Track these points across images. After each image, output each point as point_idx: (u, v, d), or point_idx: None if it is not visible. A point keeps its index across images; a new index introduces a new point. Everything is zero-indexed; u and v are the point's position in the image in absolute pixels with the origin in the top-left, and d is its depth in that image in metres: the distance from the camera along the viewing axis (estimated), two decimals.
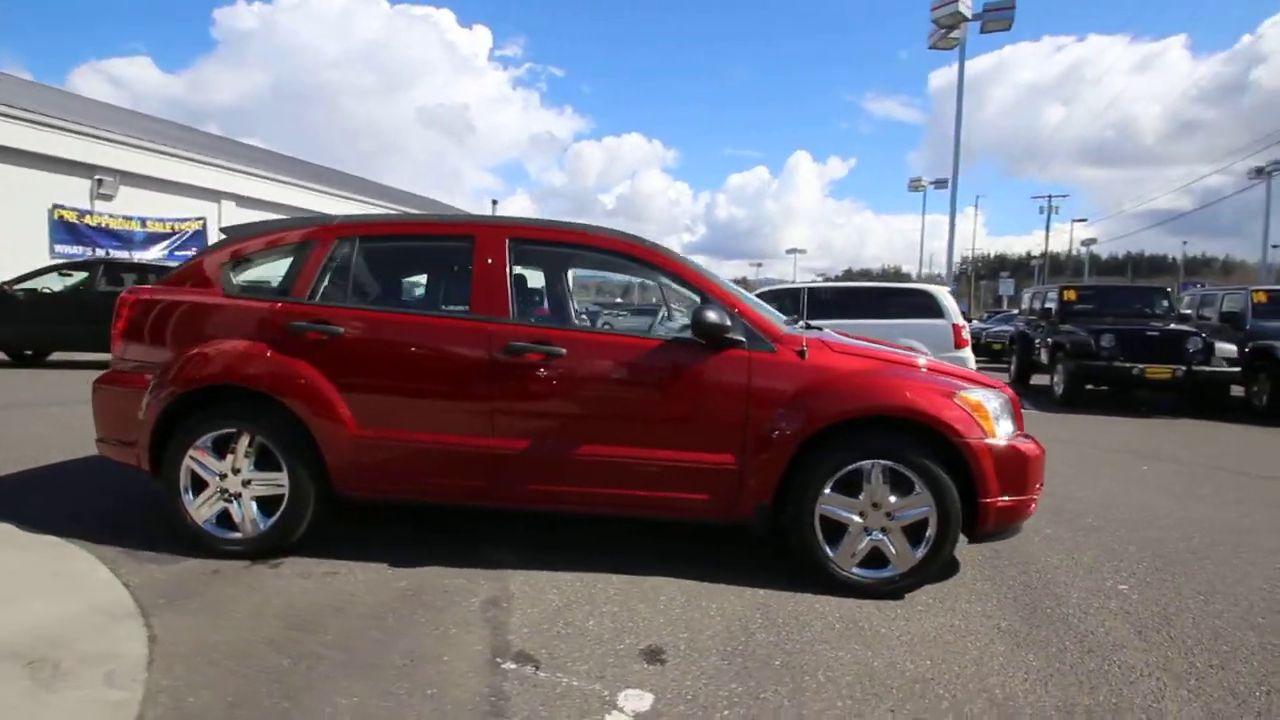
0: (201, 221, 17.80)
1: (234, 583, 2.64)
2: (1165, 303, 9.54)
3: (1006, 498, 2.66)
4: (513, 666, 2.09)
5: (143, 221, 16.47)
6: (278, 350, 2.81)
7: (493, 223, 3.00)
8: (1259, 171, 26.21)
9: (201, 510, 2.86)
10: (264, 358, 2.81)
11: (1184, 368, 7.94)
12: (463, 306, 2.90)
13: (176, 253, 16.30)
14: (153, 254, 16.02)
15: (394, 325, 2.87)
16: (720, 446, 2.71)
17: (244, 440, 2.82)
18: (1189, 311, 10.03)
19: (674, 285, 2.95)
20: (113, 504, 3.54)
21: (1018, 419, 2.89)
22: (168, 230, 16.98)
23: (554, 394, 2.75)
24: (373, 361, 2.82)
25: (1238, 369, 8.12)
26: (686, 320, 3.55)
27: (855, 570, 2.70)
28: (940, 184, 34.70)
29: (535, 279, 3.36)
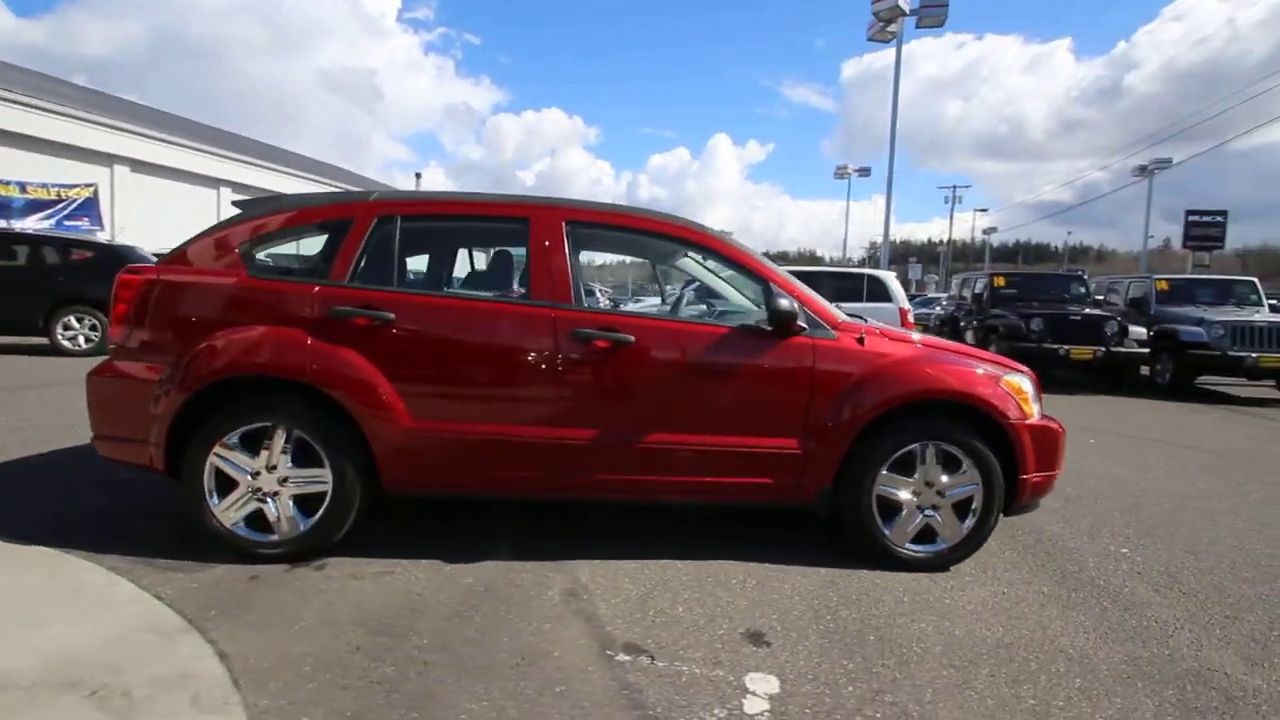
0: (92, 188, 15.94)
1: (282, 588, 2.44)
2: (1082, 289, 10.47)
3: (1040, 473, 2.88)
4: (627, 658, 2.07)
5: (21, 187, 14.57)
6: (318, 337, 2.60)
7: (548, 204, 2.87)
8: (1142, 170, 29.13)
9: (229, 512, 2.62)
10: (303, 345, 2.59)
11: (1104, 349, 8.77)
12: (505, 291, 2.79)
13: (66, 222, 14.55)
14: (33, 223, 14.21)
15: (451, 311, 2.71)
16: (785, 432, 2.76)
17: (280, 435, 2.60)
18: (1101, 297, 11.06)
19: (734, 272, 2.95)
20: (98, 506, 3.18)
21: (1040, 400, 3.12)
22: (52, 197, 15.10)
23: (621, 382, 2.71)
24: (428, 349, 2.66)
25: (1148, 349, 9.07)
26: (708, 305, 3.60)
27: (909, 546, 2.84)
28: (863, 171, 36.47)
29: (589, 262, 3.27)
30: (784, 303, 2.67)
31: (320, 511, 2.65)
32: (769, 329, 2.76)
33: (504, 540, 2.96)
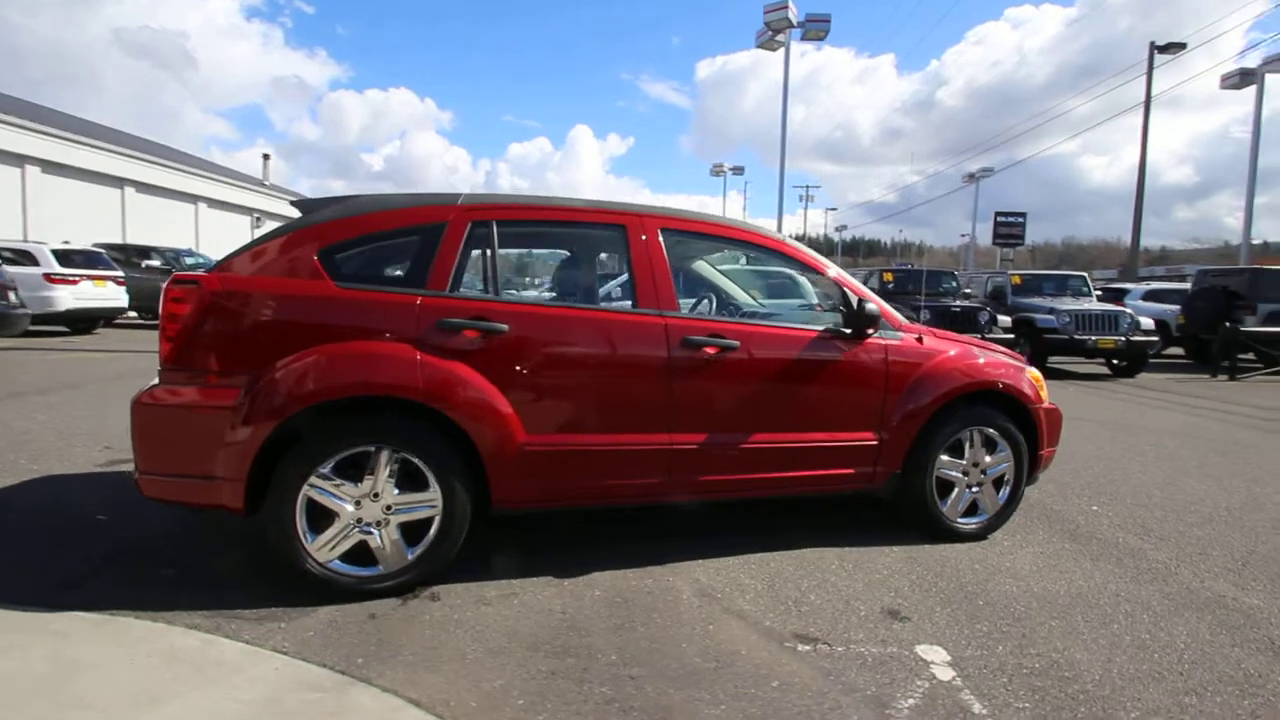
0: None
1: (413, 623, 2.27)
2: (954, 284, 11.99)
3: (1050, 448, 3.40)
4: (806, 648, 2.20)
5: None
6: (427, 351, 2.42)
7: (643, 212, 2.87)
8: (971, 177, 33.63)
9: (326, 550, 2.38)
10: (413, 361, 2.39)
11: (979, 336, 10.14)
12: (593, 299, 2.76)
13: None
14: None
15: (566, 321, 2.63)
16: (865, 425, 3.01)
17: (383, 459, 2.39)
18: (969, 290, 12.72)
19: (813, 279, 3.14)
20: (104, 552, 2.71)
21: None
22: None
23: (727, 386, 2.80)
24: (542, 361, 2.57)
25: (1012, 335, 10.60)
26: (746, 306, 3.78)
27: (960, 520, 3.22)
28: (738, 170, 38.75)
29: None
30: (870, 307, 2.91)
31: (429, 538, 2.48)
32: (848, 331, 2.99)
33: (577, 552, 2.93)
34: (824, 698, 1.92)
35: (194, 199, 24.58)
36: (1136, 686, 2.04)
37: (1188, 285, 14.24)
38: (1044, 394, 3.36)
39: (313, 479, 2.33)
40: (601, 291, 2.77)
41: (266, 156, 31.78)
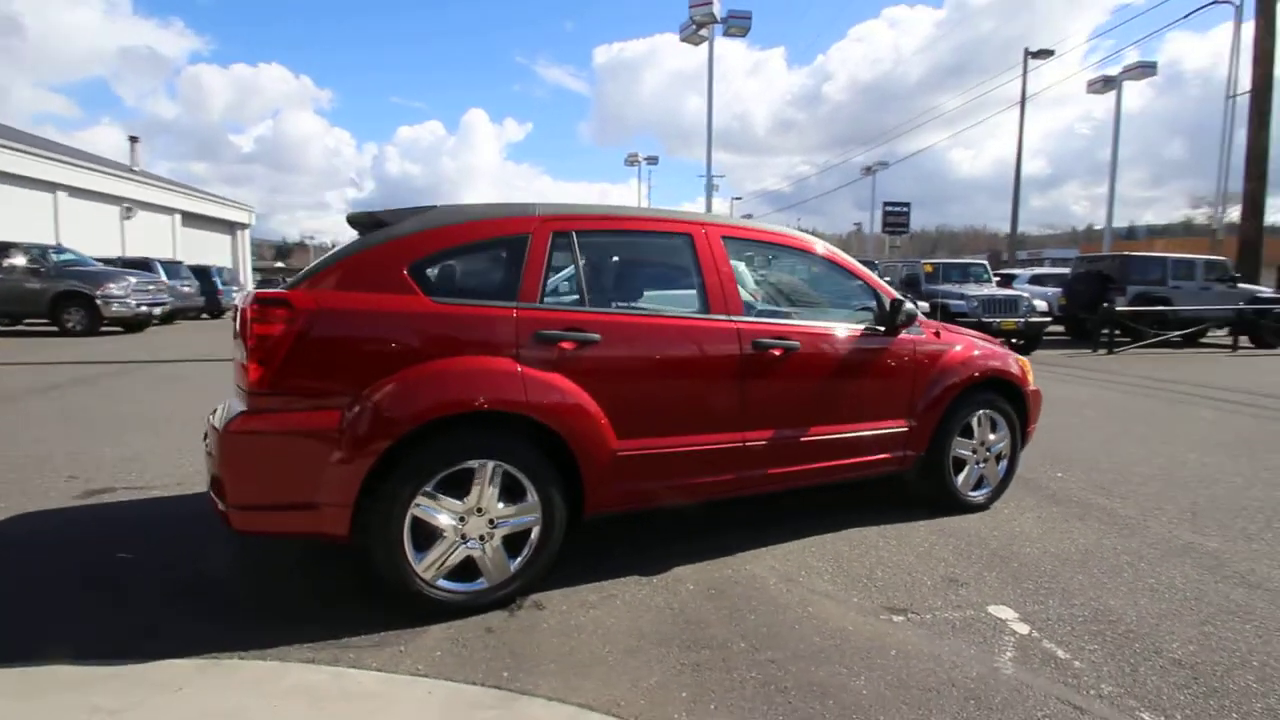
0: None
1: (535, 633, 2.31)
2: (875, 272, 12.90)
3: (1034, 425, 3.88)
4: (900, 618, 2.45)
5: None
6: (526, 364, 2.44)
7: (704, 220, 2.99)
8: (868, 170, 35.93)
9: (433, 568, 2.36)
10: (516, 374, 2.40)
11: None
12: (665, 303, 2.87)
13: None
14: None
15: (651, 329, 2.70)
16: (899, 414, 3.32)
17: (488, 473, 2.40)
18: (887, 279, 13.71)
19: (850, 282, 3.38)
20: (176, 589, 2.54)
21: None
22: None
23: (789, 384, 2.99)
24: (631, 368, 2.64)
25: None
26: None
27: (970, 493, 3.62)
28: (652, 159, 39.21)
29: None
30: (907, 308, 3.20)
31: (529, 548, 2.51)
32: (882, 329, 3.28)
33: (646, 550, 3.06)
34: (939, 660, 2.18)
35: (52, 187, 21.68)
36: (1167, 623, 2.45)
37: (1066, 270, 16.09)
38: (1030, 377, 3.82)
39: (418, 497, 2.30)
40: (667, 297, 2.87)
41: (134, 139, 28.42)
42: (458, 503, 2.37)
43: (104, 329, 13.64)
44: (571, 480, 2.56)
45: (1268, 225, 15.74)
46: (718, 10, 15.27)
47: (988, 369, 3.55)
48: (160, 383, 7.64)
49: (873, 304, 3.35)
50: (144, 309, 14.21)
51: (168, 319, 16.12)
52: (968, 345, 3.59)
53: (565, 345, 2.51)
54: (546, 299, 2.57)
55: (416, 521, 2.32)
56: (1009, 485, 3.80)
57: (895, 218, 45.13)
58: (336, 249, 2.52)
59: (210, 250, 30.19)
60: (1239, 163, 16.04)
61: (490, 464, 2.39)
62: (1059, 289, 14.87)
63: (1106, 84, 20.08)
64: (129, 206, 24.84)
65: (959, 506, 3.59)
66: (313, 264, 2.50)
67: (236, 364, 2.38)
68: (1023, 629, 2.39)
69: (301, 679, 2.02)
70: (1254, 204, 15.26)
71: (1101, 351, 12.00)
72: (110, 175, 24.41)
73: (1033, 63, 22.20)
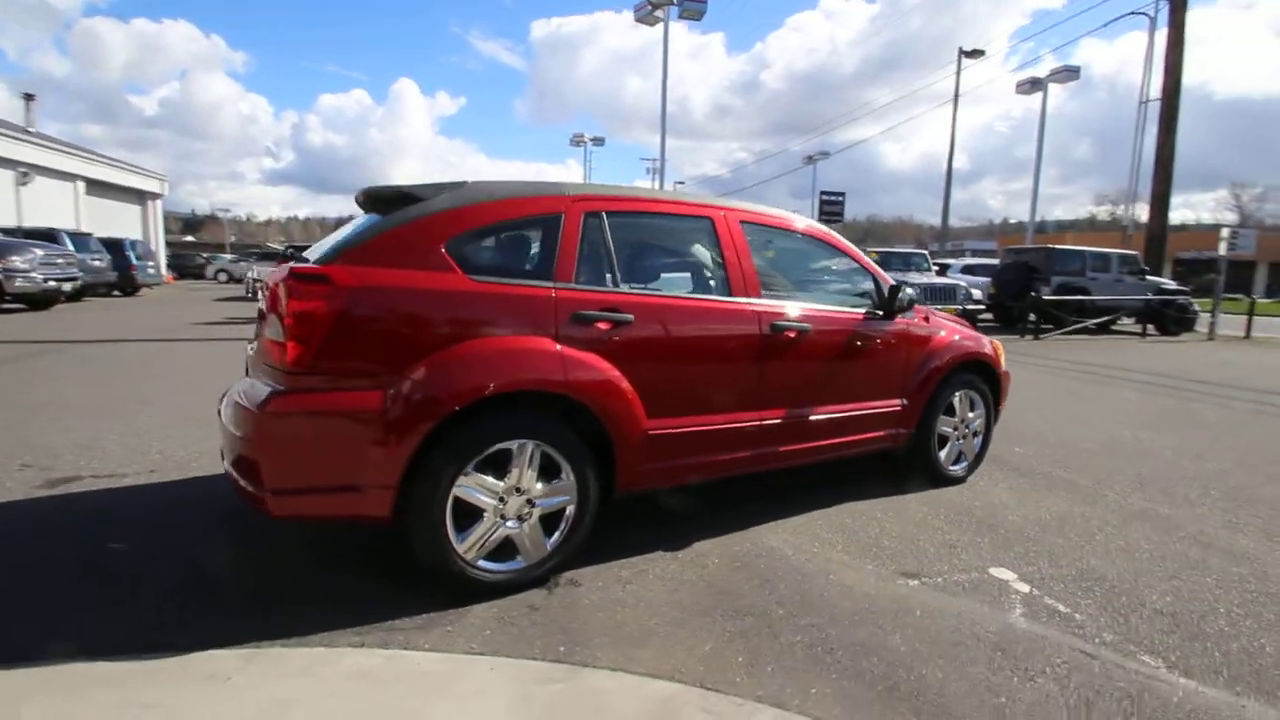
0: None
1: (577, 608, 2.35)
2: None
3: (1004, 403, 4.18)
4: (915, 582, 2.63)
5: None
6: (565, 344, 2.44)
7: (724, 205, 3.04)
8: (809, 159, 36.84)
9: (475, 549, 2.35)
10: (555, 353, 2.40)
11: None
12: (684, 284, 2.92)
13: None
14: None
15: (681, 310, 2.74)
16: (895, 393, 3.51)
17: (527, 452, 2.40)
18: None
19: (851, 267, 3.52)
20: (190, 578, 2.42)
21: None
22: None
23: (801, 365, 3.11)
24: (661, 349, 2.68)
25: None
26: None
27: (951, 468, 3.87)
28: (598, 140, 38.85)
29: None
30: (909, 290, 3.38)
31: (564, 527, 2.53)
32: (881, 313, 3.44)
33: (660, 528, 3.14)
34: (960, 617, 2.36)
35: None
36: (1143, 579, 2.73)
37: (994, 260, 17.10)
38: (1002, 360, 4.10)
39: (460, 478, 2.28)
40: (690, 280, 2.92)
41: (29, 97, 25.61)
42: (498, 483, 2.36)
43: (6, 306, 12.44)
44: (603, 459, 2.59)
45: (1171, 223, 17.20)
46: None
47: (969, 352, 3.80)
48: (86, 365, 7.06)
49: (871, 289, 3.51)
50: (52, 284, 13.03)
51: (76, 295, 14.85)
52: (950, 330, 3.82)
53: (601, 325, 2.53)
54: (585, 280, 2.57)
55: (457, 502, 2.30)
56: (983, 460, 4.09)
57: (831, 206, 46.42)
58: (362, 224, 2.42)
59: (118, 221, 27.78)
60: (1145, 164, 17.43)
61: (529, 444, 2.39)
62: (988, 278, 15.80)
63: (1034, 85, 21.40)
64: (25, 171, 22.52)
65: (942, 480, 3.83)
66: (341, 239, 2.41)
67: (266, 341, 2.27)
68: (1024, 588, 2.61)
69: (356, 663, 1.99)
70: (1160, 203, 16.67)
71: (1028, 337, 12.89)
72: (2, 136, 22.06)
73: (963, 61, 23.26)
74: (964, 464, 3.96)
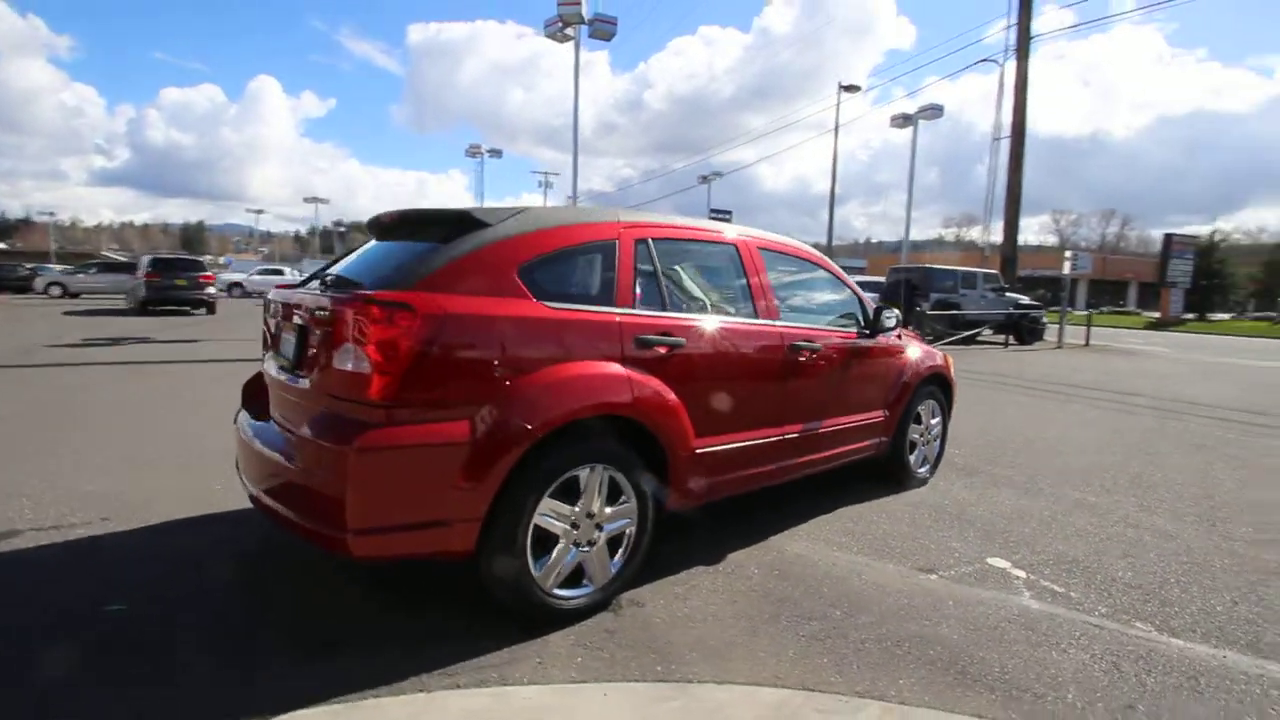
0: None
1: (651, 627, 2.40)
2: None
3: (953, 410, 4.70)
4: (933, 576, 2.92)
5: None
6: (630, 367, 2.50)
7: (743, 232, 3.22)
8: (704, 179, 38.34)
9: (552, 576, 2.35)
10: (624, 378, 2.45)
11: None
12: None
13: None
14: None
15: (720, 333, 2.86)
16: (879, 405, 3.85)
17: (598, 476, 2.43)
18: None
19: (842, 290, 3.81)
20: (226, 633, 2.21)
21: None
22: None
23: (812, 381, 3.35)
24: (705, 369, 2.80)
25: None
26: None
27: (919, 471, 4.29)
28: (495, 153, 38.09)
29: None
30: (892, 313, 3.74)
31: (626, 548, 2.58)
32: (868, 333, 3.78)
33: (680, 542, 3.25)
34: (985, 604, 2.66)
35: None
36: (1104, 558, 3.20)
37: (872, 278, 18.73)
38: (952, 370, 4.61)
39: (540, 506, 2.27)
40: (720, 303, 3.06)
41: None
42: (571, 508, 2.37)
43: None
44: (658, 479, 2.66)
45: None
46: (585, 11, 15.45)
47: (934, 365, 4.24)
48: None
49: (858, 310, 3.84)
50: None
51: None
52: (915, 346, 4.25)
53: (660, 349, 2.61)
54: (643, 305, 2.64)
55: (536, 530, 2.29)
56: (940, 462, 4.56)
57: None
58: (430, 248, 2.33)
59: None
60: (974, 190, 19.93)
61: (599, 468, 2.42)
62: (876, 294, 17.31)
63: (906, 120, 23.88)
64: None
65: (912, 482, 4.23)
66: (397, 264, 2.33)
67: (336, 372, 2.12)
68: (1020, 574, 2.98)
69: (464, 705, 1.93)
70: (1011, 228, 19.12)
71: None
72: None
73: (827, 94, 25.43)
74: (928, 467, 4.39)
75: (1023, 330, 16.73)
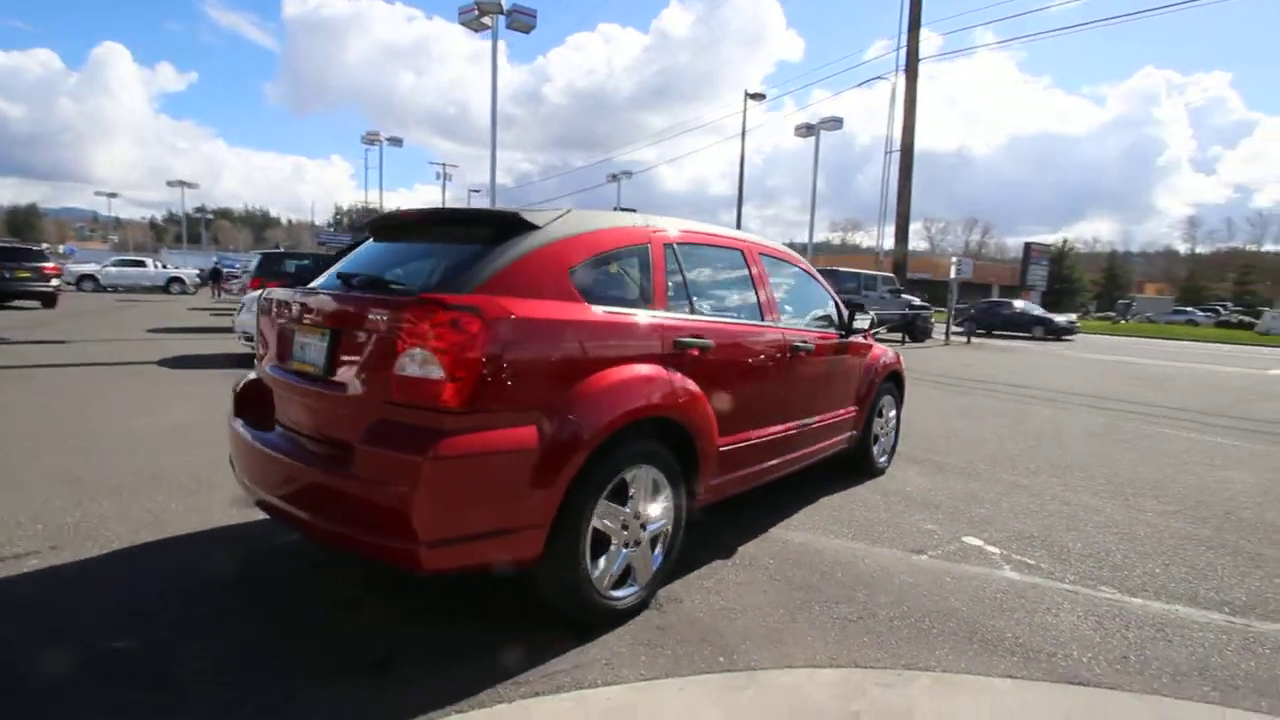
0: None
1: (698, 623, 2.47)
2: None
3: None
4: (923, 556, 3.19)
5: None
6: (671, 370, 2.55)
7: (746, 238, 3.34)
8: (614, 177, 38.38)
9: (607, 579, 2.37)
10: (666, 380, 2.50)
11: None
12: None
13: None
14: None
15: (740, 335, 2.96)
16: (853, 401, 4.13)
17: (646, 476, 2.47)
18: None
19: (821, 292, 4.03)
20: (251, 662, 2.03)
21: None
22: None
23: (806, 380, 3.54)
24: (728, 370, 2.89)
25: None
26: None
27: (879, 461, 4.63)
28: (395, 141, 36.38)
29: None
30: (866, 314, 4.01)
31: (665, 546, 2.63)
32: (843, 333, 4.04)
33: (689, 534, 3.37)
34: (977, 578, 2.96)
35: None
36: (1054, 533, 3.63)
37: None
38: (903, 367, 5.01)
39: (598, 508, 2.29)
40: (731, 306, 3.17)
41: None
42: (623, 509, 2.40)
43: None
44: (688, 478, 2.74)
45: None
46: (504, 1, 15.04)
47: (891, 363, 4.60)
48: None
49: (833, 312, 4.09)
50: None
51: None
52: (878, 345, 4.59)
53: (693, 351, 2.68)
54: (670, 307, 2.70)
55: (595, 533, 2.30)
56: (895, 452, 4.95)
57: None
58: (479, 250, 2.25)
59: None
60: (858, 197, 21.57)
61: (645, 468, 2.46)
62: None
63: (809, 130, 25.24)
64: None
65: (874, 472, 4.57)
66: (448, 266, 2.24)
67: (399, 378, 2.01)
68: (995, 550, 3.33)
69: (548, 710, 1.92)
70: (902, 235, 20.78)
71: None
72: None
73: (724, 99, 26.48)
74: (886, 457, 4.76)
75: (916, 329, 18.25)
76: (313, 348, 2.35)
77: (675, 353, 2.60)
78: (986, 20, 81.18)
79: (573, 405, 2.18)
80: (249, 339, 9.35)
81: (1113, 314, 47.88)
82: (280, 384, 2.50)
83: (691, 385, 2.64)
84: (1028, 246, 33.53)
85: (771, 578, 2.89)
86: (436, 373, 1.96)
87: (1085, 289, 53.63)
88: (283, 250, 20.55)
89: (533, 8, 15.50)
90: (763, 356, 3.17)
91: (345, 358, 2.22)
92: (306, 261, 14.89)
